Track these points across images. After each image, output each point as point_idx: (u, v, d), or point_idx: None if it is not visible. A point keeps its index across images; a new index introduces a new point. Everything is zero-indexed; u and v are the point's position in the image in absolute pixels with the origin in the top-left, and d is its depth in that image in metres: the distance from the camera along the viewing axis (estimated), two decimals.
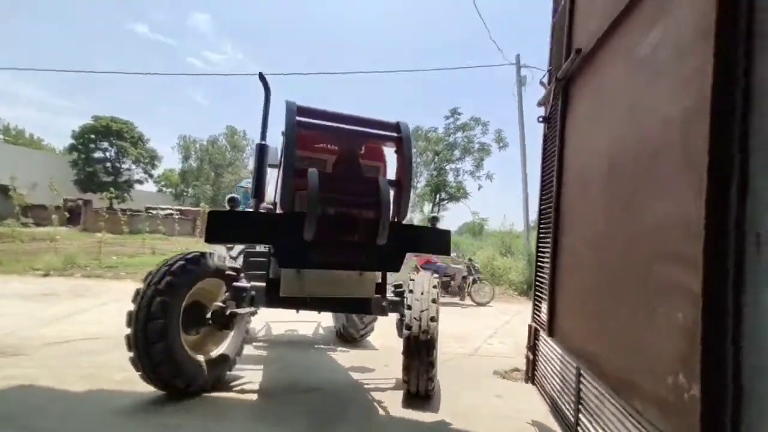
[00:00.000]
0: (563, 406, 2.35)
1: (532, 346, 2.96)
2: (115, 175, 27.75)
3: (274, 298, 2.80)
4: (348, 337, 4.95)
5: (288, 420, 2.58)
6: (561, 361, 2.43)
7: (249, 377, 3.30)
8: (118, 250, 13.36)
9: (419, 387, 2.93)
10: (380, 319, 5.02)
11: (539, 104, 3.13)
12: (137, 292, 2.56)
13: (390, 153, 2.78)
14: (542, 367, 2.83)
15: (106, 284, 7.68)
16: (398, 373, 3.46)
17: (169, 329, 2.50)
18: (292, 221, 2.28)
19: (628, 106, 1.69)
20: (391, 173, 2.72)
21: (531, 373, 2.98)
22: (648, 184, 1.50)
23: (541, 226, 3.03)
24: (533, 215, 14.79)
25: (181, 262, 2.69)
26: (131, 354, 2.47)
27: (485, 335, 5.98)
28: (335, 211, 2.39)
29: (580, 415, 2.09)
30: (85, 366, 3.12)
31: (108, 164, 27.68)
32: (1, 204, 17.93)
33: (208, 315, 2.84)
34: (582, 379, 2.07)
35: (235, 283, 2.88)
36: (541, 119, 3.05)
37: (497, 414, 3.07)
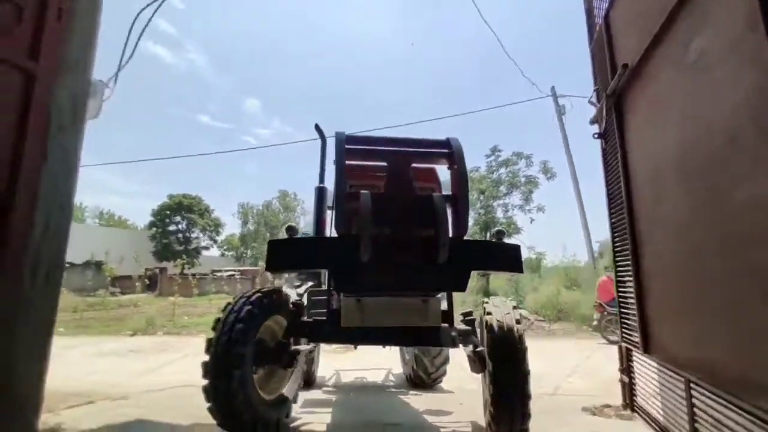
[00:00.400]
0: (674, 427, 2.12)
1: (626, 368, 2.72)
2: (186, 243, 30.74)
3: (334, 330, 2.68)
4: (418, 381, 4.69)
5: None
6: (663, 378, 2.23)
7: (317, 418, 3.26)
8: (189, 311, 14.41)
9: (513, 427, 2.48)
10: (452, 362, 4.84)
11: (591, 122, 3.20)
12: (217, 320, 2.51)
13: (444, 173, 2.73)
14: (642, 389, 2.58)
15: (183, 340, 8.38)
16: (475, 415, 3.23)
17: (246, 360, 2.41)
18: (348, 244, 2.22)
19: (689, 104, 1.75)
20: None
21: (629, 399, 2.72)
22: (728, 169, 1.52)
23: (616, 240, 2.94)
24: (597, 241, 13.87)
25: (258, 295, 2.64)
26: (205, 382, 2.35)
27: (563, 374, 5.49)
28: (390, 231, 2.27)
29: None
30: (186, 406, 3.37)
31: (180, 235, 30.89)
32: (95, 277, 20.40)
33: (270, 352, 2.71)
34: (693, 391, 1.90)
35: (299, 319, 2.82)
36: (596, 135, 3.09)
37: None
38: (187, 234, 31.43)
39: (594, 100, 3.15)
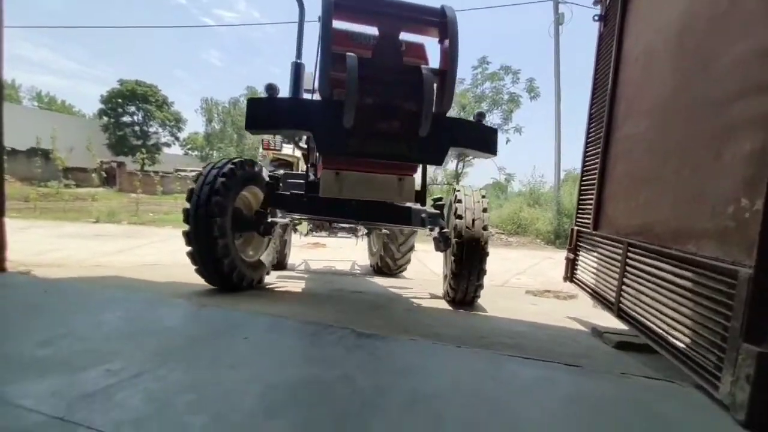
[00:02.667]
0: (605, 289, 2.50)
1: (574, 248, 3.07)
2: (144, 138, 28.55)
3: (313, 201, 2.79)
4: (384, 269, 5.08)
5: (338, 305, 2.82)
6: (604, 249, 2.56)
7: (291, 285, 3.57)
8: (153, 209, 14.05)
9: (467, 295, 2.98)
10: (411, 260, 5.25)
11: (595, 3, 3.03)
12: (191, 191, 2.67)
13: (433, 51, 2.61)
14: (582, 263, 2.99)
15: (150, 230, 8.25)
16: (433, 290, 3.69)
17: (226, 227, 2.65)
18: (331, 108, 2.20)
19: None
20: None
21: (571, 273, 3.12)
22: (726, 32, 1.51)
23: (590, 129, 3.03)
24: (564, 170, 14.44)
25: (231, 166, 2.78)
26: (190, 249, 2.63)
27: (513, 273, 6.12)
28: (375, 99, 2.26)
29: (623, 287, 2.24)
30: (161, 273, 3.47)
31: (136, 128, 28.42)
32: (43, 167, 18.94)
33: (247, 220, 2.92)
34: (629, 253, 2.19)
35: (276, 191, 2.90)
36: (596, 18, 2.98)
37: (536, 312, 3.27)
38: (145, 127, 28.99)
39: None
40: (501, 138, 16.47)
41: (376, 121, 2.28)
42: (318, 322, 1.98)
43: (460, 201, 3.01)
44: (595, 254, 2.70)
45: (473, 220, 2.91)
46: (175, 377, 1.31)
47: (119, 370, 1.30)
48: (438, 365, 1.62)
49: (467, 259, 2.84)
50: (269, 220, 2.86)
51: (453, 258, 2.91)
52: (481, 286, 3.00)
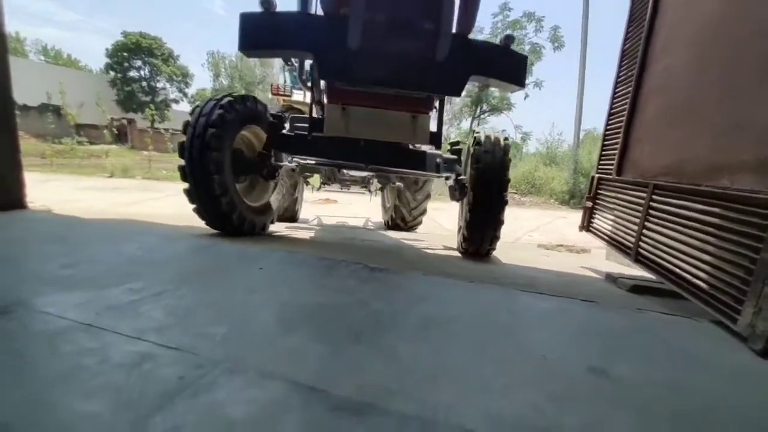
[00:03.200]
0: (623, 234, 2.45)
1: (593, 196, 2.97)
2: (152, 94, 28.16)
3: (317, 142, 2.57)
4: (399, 221, 4.91)
5: (349, 251, 2.81)
6: (626, 194, 2.47)
7: (300, 234, 3.55)
8: (165, 166, 14.14)
9: (481, 246, 2.74)
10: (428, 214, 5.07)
11: None
12: (187, 123, 2.42)
13: None
14: (600, 212, 2.91)
15: (164, 184, 8.36)
16: (447, 243, 3.53)
17: (224, 163, 2.41)
18: (336, 26, 1.95)
19: None
20: None
21: (588, 221, 3.05)
22: None
23: (622, 65, 2.82)
24: (584, 129, 13.81)
25: (230, 98, 2.52)
26: (186, 186, 2.41)
27: (525, 230, 6.06)
28: (385, 15, 1.98)
29: (644, 230, 2.18)
30: (174, 219, 3.51)
31: (144, 83, 27.98)
32: (56, 123, 19.01)
33: (250, 163, 2.71)
34: (654, 195, 2.10)
35: (279, 131, 2.69)
36: None
37: (549, 263, 3.25)
38: (152, 83, 28.49)
39: None
40: (519, 94, 15.69)
41: (386, 42, 2.02)
42: (332, 258, 1.99)
43: (479, 144, 2.69)
44: (616, 200, 2.61)
45: (494, 163, 2.60)
46: (194, 296, 1.34)
47: (140, 289, 1.33)
48: (451, 296, 1.63)
49: (484, 207, 2.60)
50: (273, 162, 2.71)
51: (468, 206, 2.67)
52: (497, 238, 2.75)
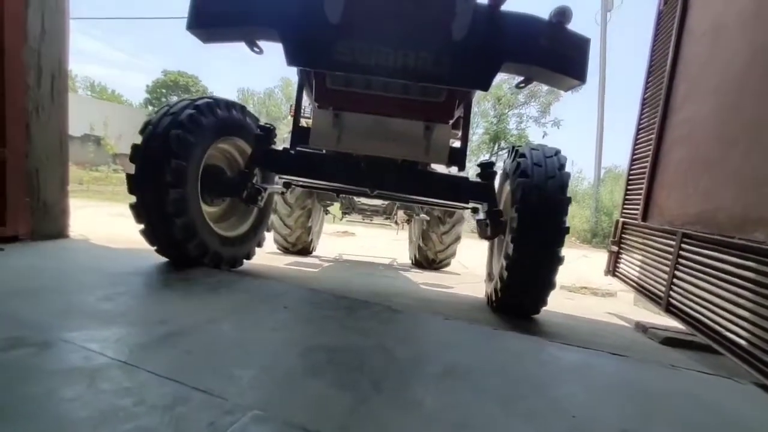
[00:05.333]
0: (652, 282, 2.37)
1: (618, 240, 2.91)
2: None
3: (306, 159, 2.05)
4: (423, 261, 4.41)
5: (367, 291, 2.76)
6: (654, 240, 2.41)
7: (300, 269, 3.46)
8: None
9: (527, 299, 1.97)
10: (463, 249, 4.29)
11: None
12: (147, 121, 1.94)
13: None
14: (626, 257, 2.82)
15: None
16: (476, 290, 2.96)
17: (187, 175, 1.88)
18: None
19: None
20: None
21: (613, 266, 2.98)
22: None
23: (643, 115, 2.86)
24: (604, 167, 13.71)
25: (209, 100, 2.03)
26: (134, 199, 1.93)
27: None
28: None
29: (674, 280, 2.11)
30: None
31: None
32: (95, 152, 20.40)
33: (228, 183, 2.21)
34: (683, 244, 2.05)
35: (265, 146, 2.15)
36: None
37: (573, 306, 3.14)
38: None
39: None
40: (537, 132, 15.71)
41: (380, 13, 1.45)
42: (353, 298, 2.01)
43: (523, 155, 1.98)
44: (643, 246, 2.56)
45: (547, 179, 1.84)
46: (223, 335, 1.37)
47: (172, 325, 1.38)
48: (475, 343, 1.60)
49: (534, 239, 1.81)
50: (255, 184, 2.18)
51: (511, 238, 1.87)
52: (551, 286, 1.95)
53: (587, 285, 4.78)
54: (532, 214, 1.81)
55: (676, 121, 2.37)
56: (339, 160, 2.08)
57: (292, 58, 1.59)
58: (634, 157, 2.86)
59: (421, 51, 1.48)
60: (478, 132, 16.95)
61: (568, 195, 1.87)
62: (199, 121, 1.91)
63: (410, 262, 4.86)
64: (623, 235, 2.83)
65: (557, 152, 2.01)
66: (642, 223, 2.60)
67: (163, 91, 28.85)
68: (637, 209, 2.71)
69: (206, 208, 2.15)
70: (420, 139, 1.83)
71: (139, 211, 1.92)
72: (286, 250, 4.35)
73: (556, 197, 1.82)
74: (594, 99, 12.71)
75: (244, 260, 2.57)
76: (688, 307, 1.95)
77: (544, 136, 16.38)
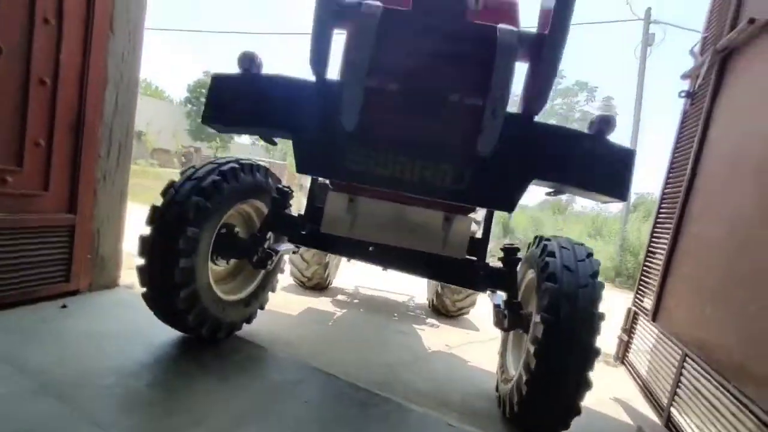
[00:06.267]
0: (656, 388, 2.41)
1: (629, 329, 2.96)
2: None
3: (314, 234, 2.00)
4: (442, 310, 4.21)
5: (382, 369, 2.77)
6: (661, 346, 2.45)
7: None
8: None
9: (548, 420, 1.74)
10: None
11: (684, 77, 2.85)
12: (171, 184, 1.95)
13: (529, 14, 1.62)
14: (636, 347, 2.86)
15: None
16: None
17: (199, 243, 1.86)
18: (324, 94, 1.41)
19: None
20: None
21: (623, 354, 3.02)
22: None
23: (662, 209, 2.89)
24: (636, 192, 13.33)
25: (234, 165, 2.00)
26: (142, 262, 1.87)
27: None
28: (400, 83, 1.38)
29: (676, 397, 2.16)
30: None
31: None
32: (136, 146, 21.66)
33: (239, 245, 2.14)
34: (686, 363, 2.11)
35: (280, 210, 2.15)
36: (683, 94, 2.78)
37: None
38: None
39: (697, 50, 2.74)
40: None
41: (400, 126, 1.40)
42: (368, 390, 2.16)
43: (552, 254, 1.76)
44: (651, 346, 2.61)
45: (578, 289, 1.61)
46: None
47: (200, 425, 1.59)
48: None
49: (561, 361, 1.59)
50: (267, 248, 2.14)
51: (534, 349, 1.64)
52: (577, 412, 1.68)
53: (601, 345, 4.71)
54: (559, 331, 1.59)
55: (690, 232, 2.40)
56: (351, 241, 1.98)
57: (302, 166, 1.56)
58: (650, 248, 2.89)
59: (441, 164, 1.41)
60: None
61: (601, 312, 1.66)
62: (221, 187, 1.90)
63: (427, 303, 4.78)
64: (633, 325, 2.87)
65: (590, 254, 1.79)
66: (652, 322, 2.64)
67: (203, 90, 30.27)
68: (649, 301, 2.75)
69: (213, 267, 2.13)
70: (438, 231, 1.77)
71: (144, 276, 1.88)
72: (303, 284, 4.40)
73: (588, 312, 1.60)
74: (628, 129, 12.41)
75: (244, 323, 2.52)
76: None
77: None
